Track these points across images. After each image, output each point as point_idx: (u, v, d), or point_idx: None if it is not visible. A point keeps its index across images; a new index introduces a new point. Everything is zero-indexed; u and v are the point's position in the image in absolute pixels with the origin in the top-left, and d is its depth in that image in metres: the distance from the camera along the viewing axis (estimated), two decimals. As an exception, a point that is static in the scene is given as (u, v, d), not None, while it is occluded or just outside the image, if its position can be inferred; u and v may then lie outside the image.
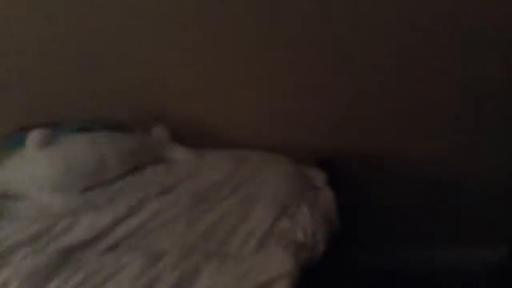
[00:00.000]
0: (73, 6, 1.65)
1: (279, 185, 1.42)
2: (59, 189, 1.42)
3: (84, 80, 1.76)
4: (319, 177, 1.55)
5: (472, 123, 1.85)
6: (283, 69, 1.76)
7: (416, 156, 1.90)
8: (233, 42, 1.72)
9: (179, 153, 1.64)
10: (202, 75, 1.76)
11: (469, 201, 1.99)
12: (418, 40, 1.70)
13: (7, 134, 1.57)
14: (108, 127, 1.58)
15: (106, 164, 1.49)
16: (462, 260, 2.05)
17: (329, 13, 1.66)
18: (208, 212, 1.31)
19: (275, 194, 1.37)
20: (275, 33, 1.69)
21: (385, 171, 1.92)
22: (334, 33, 1.69)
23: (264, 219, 1.25)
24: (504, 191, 1.97)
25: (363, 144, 1.89)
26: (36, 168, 1.44)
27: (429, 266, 2.03)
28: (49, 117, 1.63)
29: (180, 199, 1.37)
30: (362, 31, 1.69)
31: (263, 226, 1.22)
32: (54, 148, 1.47)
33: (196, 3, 1.65)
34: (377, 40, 1.70)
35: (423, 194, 1.97)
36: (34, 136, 1.46)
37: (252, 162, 1.57)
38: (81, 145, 1.49)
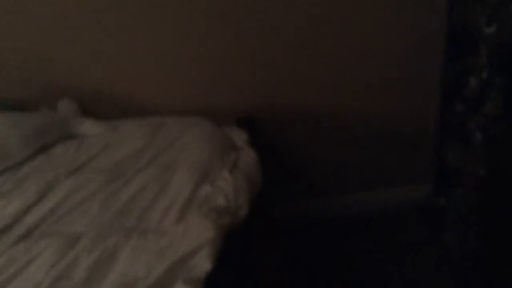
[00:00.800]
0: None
1: (199, 150, 1.37)
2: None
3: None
4: (240, 137, 1.51)
5: (396, 72, 1.88)
6: (198, 32, 1.68)
7: (336, 107, 1.91)
8: (141, 4, 1.60)
9: (90, 127, 1.54)
10: (109, 42, 1.64)
11: (393, 144, 2.05)
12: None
13: None
14: (5, 108, 1.44)
15: (8, 148, 1.37)
16: (389, 201, 2.14)
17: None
18: (124, 187, 1.25)
19: (194, 160, 1.32)
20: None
21: (308, 124, 1.92)
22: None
23: (184, 188, 1.20)
24: (427, 133, 2.04)
25: (284, 100, 1.87)
26: None
27: (357, 209, 2.10)
28: None
29: (94, 177, 1.29)
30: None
31: (183, 196, 1.18)
32: None
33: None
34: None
35: (347, 142, 2.00)
36: None
37: (169, 128, 1.51)
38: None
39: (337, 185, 2.09)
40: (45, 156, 1.42)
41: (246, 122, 1.65)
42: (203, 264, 0.99)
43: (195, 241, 1.02)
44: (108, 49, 1.65)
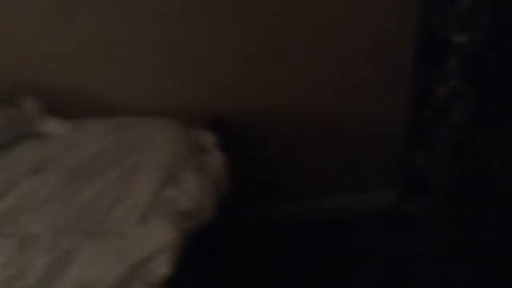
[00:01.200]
0: None
1: (164, 151, 1.35)
2: None
3: None
4: (209, 139, 1.49)
5: (364, 78, 1.88)
6: (168, 30, 1.65)
7: (306, 108, 1.91)
8: (111, 1, 1.56)
9: (54, 126, 1.50)
10: (78, 39, 1.60)
11: (359, 148, 2.06)
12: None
13: None
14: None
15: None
16: (356, 206, 2.15)
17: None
18: (86, 188, 1.22)
19: (159, 162, 1.30)
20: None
21: (276, 126, 1.92)
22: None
23: (147, 190, 1.18)
24: (395, 139, 2.06)
25: (255, 102, 1.85)
26: None
27: (322, 214, 2.10)
28: None
29: (55, 177, 1.26)
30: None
31: (145, 198, 1.16)
32: None
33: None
34: None
35: (314, 145, 2.00)
36: None
37: (137, 129, 1.48)
38: None
39: (306, 189, 2.09)
40: (5, 155, 1.37)
41: (217, 124, 1.63)
42: (161, 268, 0.98)
43: (155, 244, 1.01)
44: (78, 47, 1.61)
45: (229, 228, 1.41)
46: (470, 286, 1.77)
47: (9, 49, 1.58)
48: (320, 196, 2.12)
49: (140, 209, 1.13)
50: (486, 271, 1.80)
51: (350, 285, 1.84)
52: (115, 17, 1.59)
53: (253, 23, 1.69)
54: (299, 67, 1.82)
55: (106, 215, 1.12)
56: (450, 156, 1.80)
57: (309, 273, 1.88)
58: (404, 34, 1.81)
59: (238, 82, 1.80)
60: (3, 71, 1.59)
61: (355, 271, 1.89)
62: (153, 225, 1.06)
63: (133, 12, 1.59)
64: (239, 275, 1.60)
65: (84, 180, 1.25)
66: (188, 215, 1.13)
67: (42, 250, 1.02)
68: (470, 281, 1.76)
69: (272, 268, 1.88)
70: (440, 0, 1.74)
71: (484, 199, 1.89)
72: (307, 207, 2.11)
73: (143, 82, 1.72)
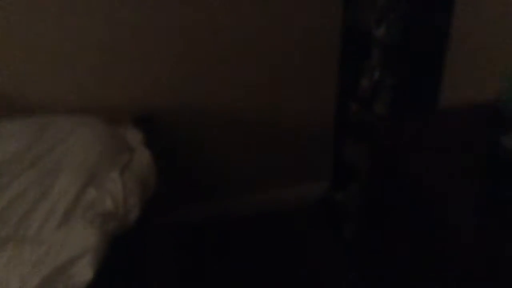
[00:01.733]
0: None
1: (86, 151, 1.30)
2: None
3: None
4: (135, 137, 1.46)
5: (293, 73, 1.92)
6: (91, 25, 1.59)
7: (238, 106, 1.92)
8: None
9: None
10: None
11: (293, 142, 2.09)
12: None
13: None
14: None
15: None
16: (290, 199, 2.19)
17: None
18: (2, 191, 1.15)
19: (81, 162, 1.25)
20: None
21: (209, 124, 1.91)
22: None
23: (67, 192, 1.13)
24: (326, 132, 2.11)
25: (183, 100, 1.83)
26: None
27: (258, 208, 2.12)
28: None
29: (-33, 181, 1.18)
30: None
31: (66, 200, 1.11)
32: None
33: None
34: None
35: (247, 141, 2.01)
36: None
37: (57, 127, 1.41)
38: None
39: (237, 185, 2.09)
40: None
41: (143, 122, 1.60)
42: (84, 272, 0.95)
43: (75, 248, 0.97)
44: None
45: (157, 228, 1.39)
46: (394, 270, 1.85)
47: None
48: (253, 191, 2.14)
49: (60, 213, 1.08)
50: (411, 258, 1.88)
51: (292, 273, 1.88)
52: (36, 14, 1.53)
53: (177, 24, 1.67)
54: (224, 65, 1.82)
55: (24, 221, 1.07)
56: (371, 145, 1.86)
57: (245, 267, 1.90)
58: (330, 31, 1.86)
59: (163, 80, 1.77)
60: None
61: (288, 263, 1.93)
62: (74, 228, 1.03)
63: (55, 10, 1.53)
64: (162, 276, 1.59)
65: (1, 182, 1.18)
66: (112, 217, 1.10)
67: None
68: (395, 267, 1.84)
69: (205, 266, 1.88)
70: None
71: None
72: (241, 202, 2.12)
73: (66, 80, 1.65)
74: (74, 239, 0.99)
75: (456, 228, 1.01)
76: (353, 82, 1.94)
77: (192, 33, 1.70)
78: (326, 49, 1.90)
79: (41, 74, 1.63)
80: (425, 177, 1.16)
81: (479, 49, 1.90)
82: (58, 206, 1.10)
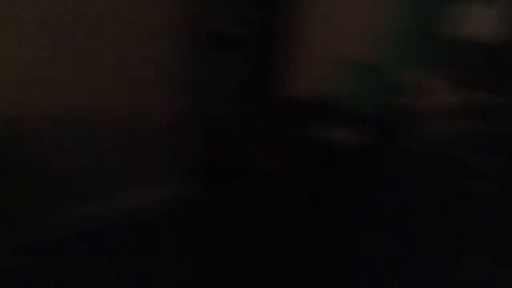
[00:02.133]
0: None
1: None
2: None
3: None
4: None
5: (152, 73, 1.91)
6: None
7: (87, 109, 1.87)
8: None
9: None
10: None
11: (145, 144, 2.09)
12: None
13: None
14: None
15: None
16: (151, 199, 2.17)
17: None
18: None
19: None
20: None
21: (50, 129, 1.85)
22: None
23: None
24: (183, 132, 2.13)
25: (21, 103, 1.76)
26: None
27: (116, 212, 2.08)
28: None
29: None
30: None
31: None
32: None
33: None
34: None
35: (98, 143, 1.97)
36: None
37: None
38: None
39: (90, 189, 2.04)
40: None
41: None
42: None
43: None
44: None
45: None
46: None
47: None
48: (110, 194, 2.08)
49: None
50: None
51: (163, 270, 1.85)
52: None
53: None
54: (78, 67, 1.78)
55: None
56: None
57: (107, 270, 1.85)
58: (189, 31, 1.88)
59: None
60: None
61: (164, 258, 1.90)
62: None
63: None
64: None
65: None
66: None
67: None
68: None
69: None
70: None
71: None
72: (94, 208, 2.04)
73: None
74: None
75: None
76: (215, 79, 1.98)
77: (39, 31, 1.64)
78: (188, 48, 1.92)
79: None
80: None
81: (314, 45, 2.01)
82: None
